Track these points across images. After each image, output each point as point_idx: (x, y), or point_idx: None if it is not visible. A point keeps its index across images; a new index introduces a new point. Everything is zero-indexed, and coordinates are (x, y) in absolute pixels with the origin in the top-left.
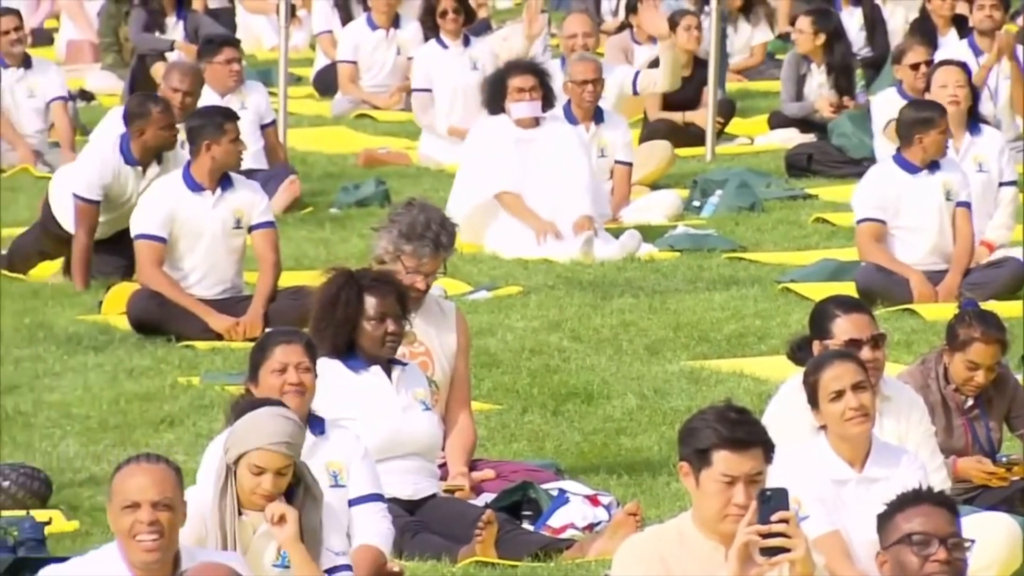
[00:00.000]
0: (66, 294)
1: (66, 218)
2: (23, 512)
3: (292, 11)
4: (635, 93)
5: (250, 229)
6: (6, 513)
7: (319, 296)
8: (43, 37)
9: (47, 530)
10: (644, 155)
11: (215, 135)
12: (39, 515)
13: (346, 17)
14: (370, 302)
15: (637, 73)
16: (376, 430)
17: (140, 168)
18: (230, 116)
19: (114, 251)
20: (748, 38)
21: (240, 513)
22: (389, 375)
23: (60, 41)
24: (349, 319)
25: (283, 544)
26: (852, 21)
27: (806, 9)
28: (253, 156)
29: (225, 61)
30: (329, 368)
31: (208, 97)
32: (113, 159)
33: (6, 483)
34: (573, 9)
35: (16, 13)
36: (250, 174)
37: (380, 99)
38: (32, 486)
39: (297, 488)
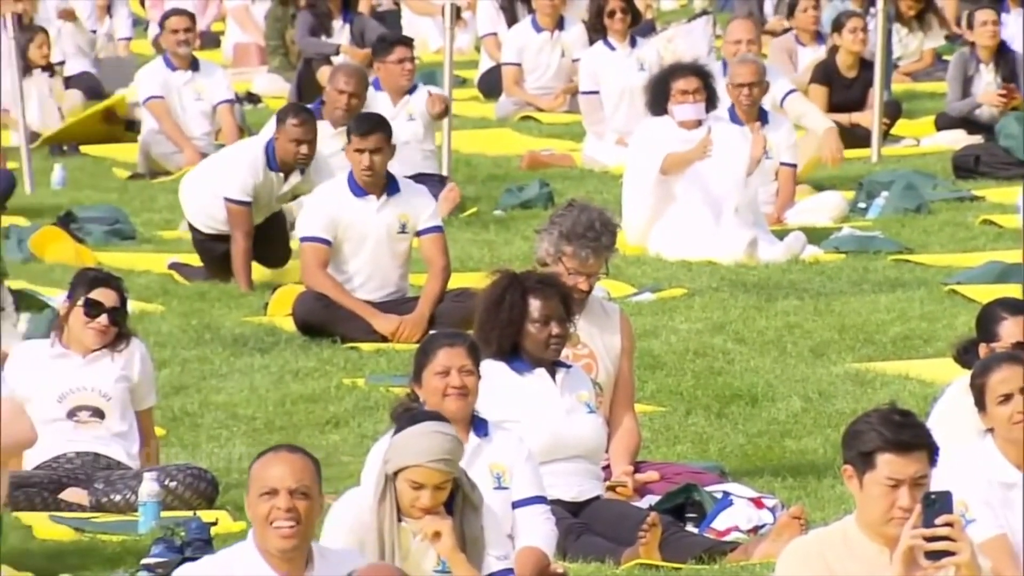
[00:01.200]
0: (232, 296)
1: (200, 221)
2: (190, 513)
3: (457, 13)
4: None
5: (418, 233)
6: (173, 513)
7: (484, 298)
8: (210, 40)
9: (213, 531)
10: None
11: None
12: (205, 516)
13: (511, 19)
14: (534, 304)
15: (790, 92)
16: (540, 433)
17: (281, 174)
18: (381, 125)
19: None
20: (919, 44)
21: (400, 520)
22: (553, 377)
23: (227, 44)
24: (513, 321)
25: (442, 554)
26: (1019, 23)
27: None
28: (423, 158)
29: (398, 60)
30: (494, 370)
31: (377, 101)
32: (260, 162)
33: (173, 484)
34: (736, 11)
35: (188, 15)
36: (417, 179)
37: (544, 101)
38: (199, 487)
39: (456, 496)
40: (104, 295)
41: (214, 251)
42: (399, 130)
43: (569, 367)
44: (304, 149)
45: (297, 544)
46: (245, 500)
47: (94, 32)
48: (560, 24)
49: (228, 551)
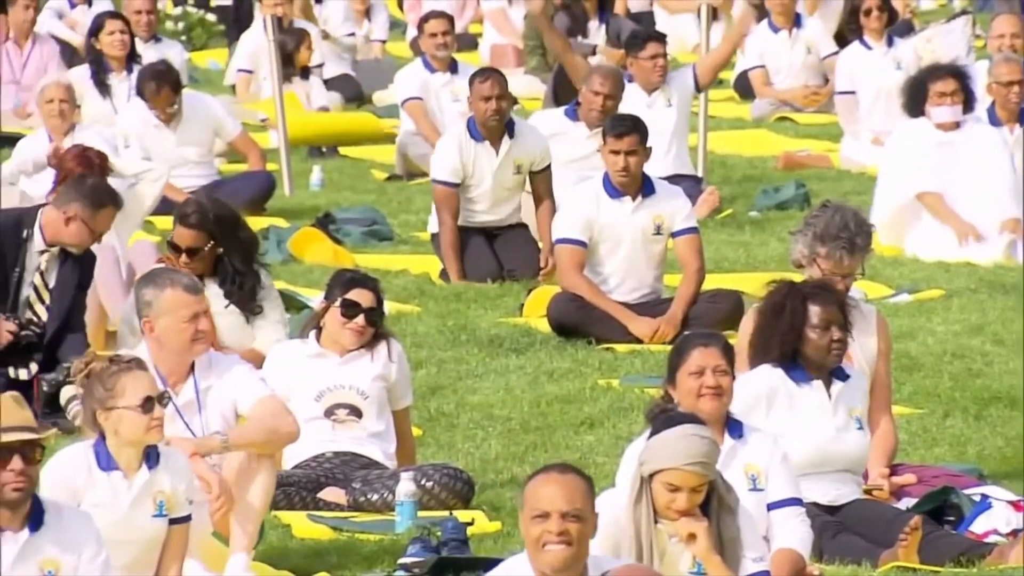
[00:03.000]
0: (488, 297)
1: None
2: (446, 512)
3: (714, 13)
4: None
5: (673, 235)
6: (429, 513)
7: (764, 307)
8: (467, 42)
9: (469, 531)
10: None
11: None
12: (462, 515)
13: (763, 18)
14: (814, 310)
15: None
16: (806, 447)
17: (486, 142)
18: (636, 127)
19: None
20: None
21: (656, 521)
22: (829, 390)
23: (484, 46)
24: (794, 327)
25: (697, 556)
26: None
27: None
28: (673, 161)
29: (650, 56)
30: (771, 376)
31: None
32: (463, 136)
33: (429, 483)
34: (996, 10)
35: (447, 18)
36: (673, 180)
37: (796, 95)
38: (455, 487)
39: (712, 498)
40: (361, 296)
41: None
42: (653, 121)
43: (847, 378)
44: (494, 105)
45: (570, 566)
46: (520, 515)
47: (352, 35)
48: (797, 22)
49: (509, 561)
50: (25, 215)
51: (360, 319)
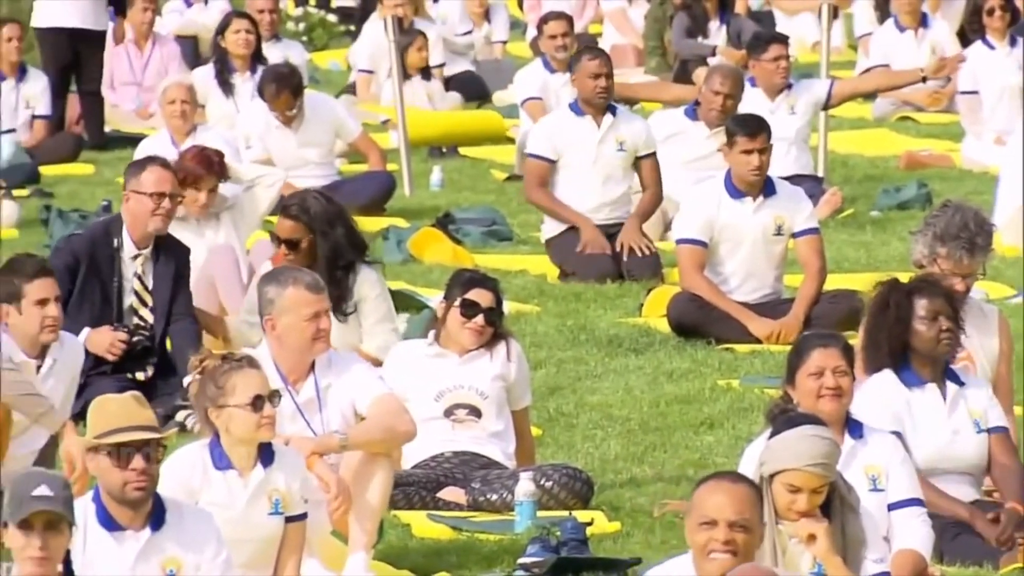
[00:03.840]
0: (608, 297)
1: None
2: (565, 512)
3: (835, 12)
4: None
5: (794, 235)
6: (549, 513)
7: (871, 307)
8: (587, 42)
9: (589, 531)
10: None
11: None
12: (581, 516)
13: (883, 17)
14: (920, 303)
15: None
16: (922, 450)
17: (588, 116)
18: (765, 126)
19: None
20: None
21: (776, 522)
22: (943, 394)
23: (604, 45)
24: (901, 319)
25: (818, 556)
26: None
27: None
28: (794, 162)
29: (773, 59)
30: (883, 381)
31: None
32: (565, 113)
33: (548, 483)
34: None
35: (567, 19)
36: (793, 180)
37: (920, 96)
38: (574, 487)
39: (833, 499)
40: (480, 295)
41: (568, 246)
42: (775, 126)
43: (963, 383)
44: (603, 82)
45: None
46: (687, 520)
47: (468, 33)
48: (924, 22)
49: (674, 560)
50: (111, 223)
51: (479, 319)
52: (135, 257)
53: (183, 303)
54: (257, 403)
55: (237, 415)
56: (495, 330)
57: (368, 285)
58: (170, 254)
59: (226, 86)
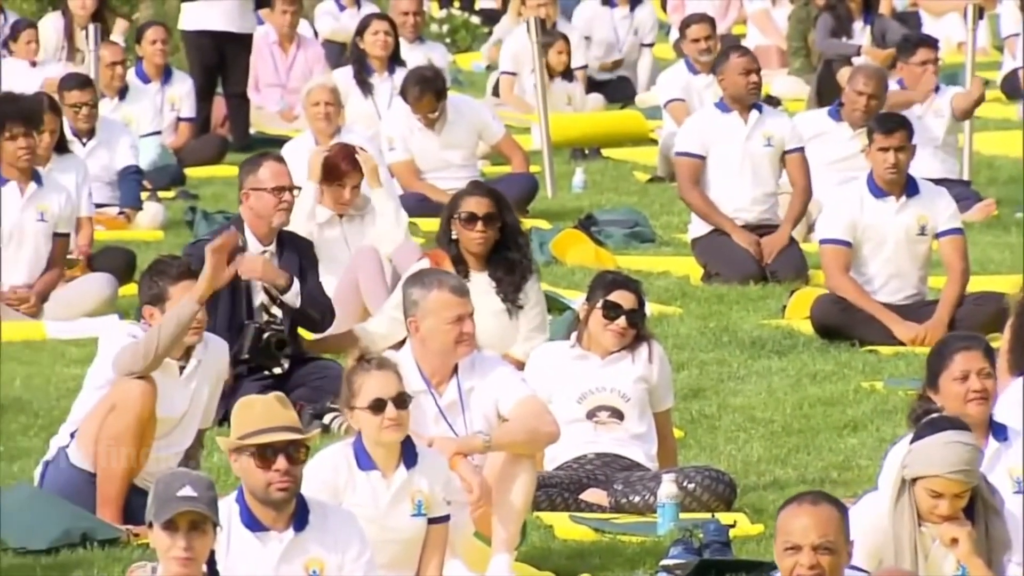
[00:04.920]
0: (750, 299)
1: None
2: (708, 514)
3: (980, 13)
4: None
5: (937, 235)
6: (691, 515)
7: (1016, 309)
8: (731, 42)
9: (732, 533)
10: None
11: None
12: (724, 518)
13: None
14: None
15: None
16: None
17: (734, 112)
18: (904, 124)
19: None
20: None
21: (919, 524)
22: None
23: (748, 46)
24: None
25: (961, 559)
26: None
27: None
28: (940, 165)
29: (921, 62)
30: None
31: None
32: (709, 112)
33: (691, 485)
34: None
35: (709, 22)
36: (938, 182)
37: None
38: (717, 489)
39: (976, 501)
40: (622, 297)
41: (714, 246)
42: (921, 130)
43: None
44: (754, 78)
45: None
46: (774, 543)
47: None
48: None
49: None
50: (234, 224)
51: (621, 320)
52: (261, 254)
53: (317, 295)
54: (377, 406)
55: (362, 417)
56: (637, 332)
57: (534, 292)
58: (293, 248)
59: (364, 87)
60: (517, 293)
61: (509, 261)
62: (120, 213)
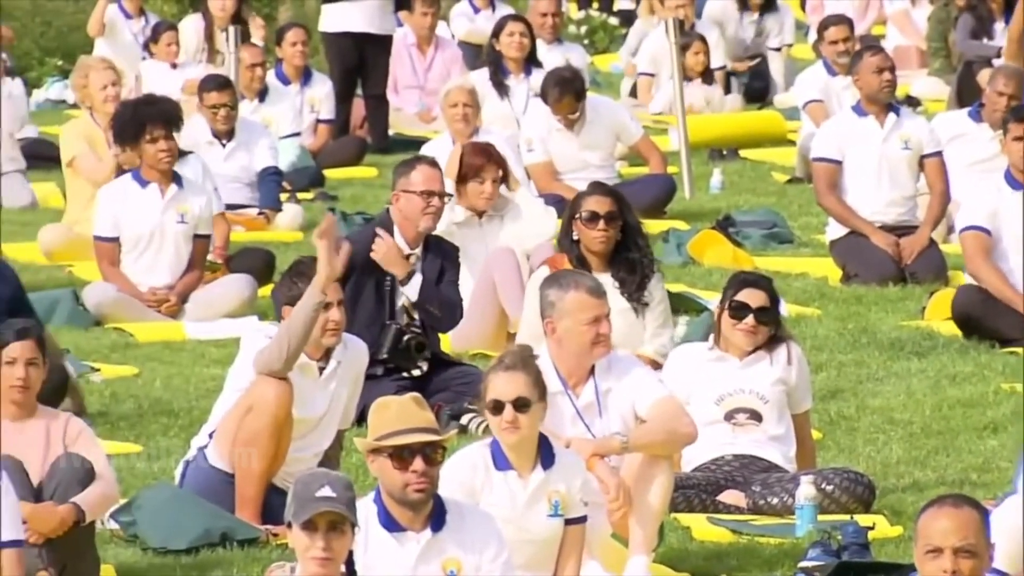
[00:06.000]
0: (889, 300)
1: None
2: (847, 516)
3: None
4: None
5: None
6: (829, 517)
7: None
8: (869, 43)
9: (870, 535)
10: None
11: None
12: (862, 520)
13: None
14: None
15: None
16: None
17: (870, 116)
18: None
19: None
20: None
21: None
22: None
23: (887, 46)
24: None
25: None
26: None
27: None
28: None
29: None
30: None
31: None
32: (846, 116)
33: (830, 487)
34: None
35: (847, 23)
36: None
37: None
38: (855, 490)
39: None
40: (751, 296)
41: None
42: None
43: None
44: (888, 76)
45: None
46: (914, 547)
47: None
48: None
49: None
50: (382, 224)
51: (750, 319)
52: (407, 256)
53: (444, 285)
54: (496, 407)
55: (488, 419)
56: (774, 332)
57: (658, 290)
58: (438, 253)
59: (500, 88)
60: (641, 292)
61: (630, 261)
62: (260, 214)
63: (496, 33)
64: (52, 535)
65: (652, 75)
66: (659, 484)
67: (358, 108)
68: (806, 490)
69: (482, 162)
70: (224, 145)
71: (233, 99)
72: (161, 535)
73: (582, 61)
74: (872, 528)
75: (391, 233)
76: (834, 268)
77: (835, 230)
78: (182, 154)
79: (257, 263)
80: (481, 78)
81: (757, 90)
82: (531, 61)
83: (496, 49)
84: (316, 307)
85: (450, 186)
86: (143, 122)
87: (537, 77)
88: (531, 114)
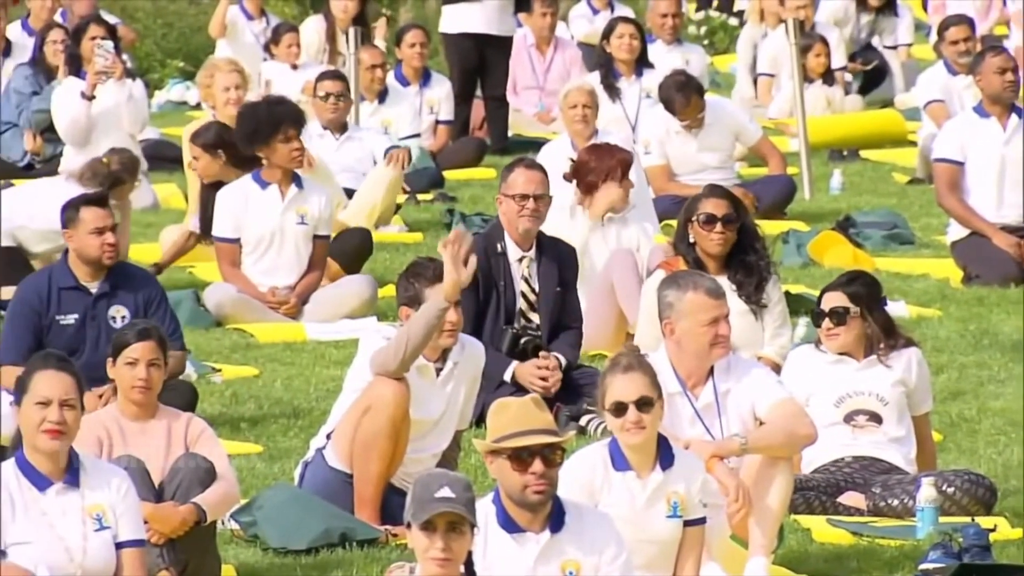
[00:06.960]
0: (1012, 301)
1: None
2: (968, 518)
3: None
4: None
5: None
6: (951, 519)
7: None
8: (992, 43)
9: (992, 537)
10: None
11: None
12: (984, 522)
13: None
14: None
15: None
16: None
17: (996, 119)
18: None
19: None
20: None
21: None
22: None
23: (1008, 46)
24: None
25: None
26: None
27: None
28: None
29: None
30: None
31: None
32: (967, 117)
33: (951, 489)
34: None
35: (968, 23)
36: None
37: None
38: (977, 492)
39: None
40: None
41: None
42: None
43: None
44: (1010, 76)
45: None
46: None
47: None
48: None
49: None
50: (494, 228)
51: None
52: (520, 259)
53: (571, 310)
54: (618, 409)
55: (607, 419)
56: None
57: (775, 291)
58: (553, 254)
59: (611, 90)
60: (759, 294)
61: (747, 264)
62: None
63: (606, 35)
64: (173, 535)
65: (772, 75)
66: (779, 486)
67: (477, 109)
68: (927, 492)
69: (613, 163)
70: (337, 139)
71: (345, 88)
72: (281, 535)
73: (702, 62)
74: (994, 530)
75: (502, 235)
76: (955, 269)
77: (956, 231)
78: None
79: (353, 240)
80: (593, 81)
81: (871, 90)
82: (642, 62)
83: (607, 51)
84: (439, 314)
85: (560, 190)
86: (279, 122)
87: (648, 78)
88: (648, 116)
